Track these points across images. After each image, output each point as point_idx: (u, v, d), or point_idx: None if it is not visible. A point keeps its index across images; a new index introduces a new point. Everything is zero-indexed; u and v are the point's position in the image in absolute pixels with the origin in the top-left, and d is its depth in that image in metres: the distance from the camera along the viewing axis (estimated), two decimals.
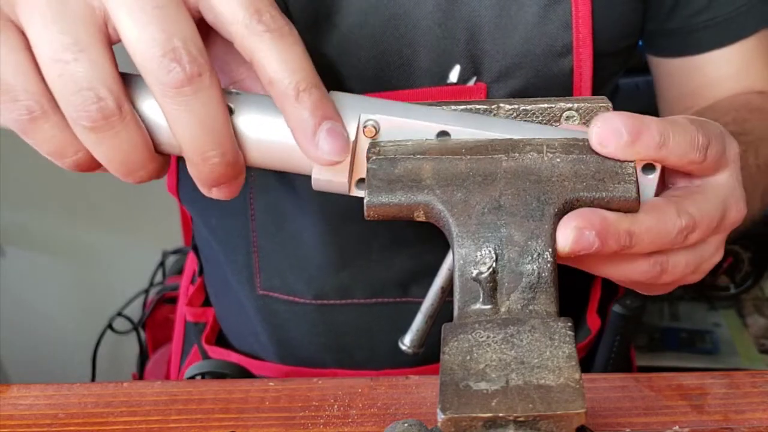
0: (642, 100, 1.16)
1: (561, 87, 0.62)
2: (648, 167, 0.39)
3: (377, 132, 0.39)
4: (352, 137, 0.39)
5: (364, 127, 0.39)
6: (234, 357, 0.76)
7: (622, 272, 0.40)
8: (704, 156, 0.40)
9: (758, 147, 0.60)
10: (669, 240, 0.39)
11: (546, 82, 0.61)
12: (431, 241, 0.65)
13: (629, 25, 0.65)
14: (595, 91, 0.63)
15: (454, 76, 0.60)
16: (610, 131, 0.38)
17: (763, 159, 0.60)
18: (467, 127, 0.39)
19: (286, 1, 0.57)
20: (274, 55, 0.36)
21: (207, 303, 0.81)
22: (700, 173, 0.42)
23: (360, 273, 0.68)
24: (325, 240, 0.65)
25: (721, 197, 0.42)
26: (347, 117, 0.39)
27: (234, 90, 0.40)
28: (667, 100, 0.73)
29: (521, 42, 0.59)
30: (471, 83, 0.60)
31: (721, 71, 0.69)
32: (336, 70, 0.59)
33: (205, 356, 0.77)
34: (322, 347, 0.72)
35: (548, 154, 0.37)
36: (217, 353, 0.76)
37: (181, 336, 0.85)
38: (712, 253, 0.43)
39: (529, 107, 0.40)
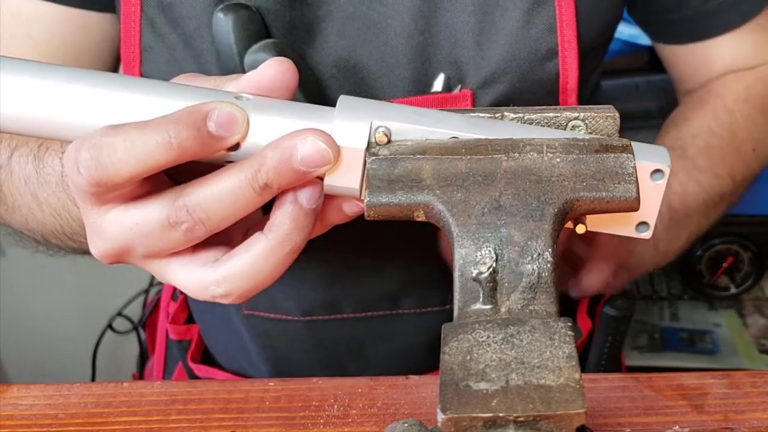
0: (642, 100, 1.17)
1: (547, 90, 0.61)
2: (656, 172, 0.39)
3: (389, 139, 0.38)
4: (364, 144, 0.38)
5: (376, 134, 0.38)
6: (221, 375, 0.75)
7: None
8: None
9: (694, 140, 0.69)
10: None
11: (532, 87, 0.60)
12: (421, 252, 0.64)
13: (611, 20, 0.65)
14: (580, 90, 0.62)
15: (438, 84, 0.59)
16: None
17: (698, 153, 0.69)
18: (479, 133, 0.39)
19: (262, 12, 0.56)
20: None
21: (190, 319, 0.79)
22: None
23: (349, 288, 0.67)
24: (313, 256, 0.64)
25: None
26: (358, 123, 0.38)
27: (245, 95, 0.39)
28: (673, 77, 0.79)
29: (505, 47, 0.58)
30: (456, 91, 0.59)
31: (717, 53, 0.72)
32: (316, 79, 0.58)
33: (191, 375, 0.76)
34: (313, 362, 0.71)
35: (548, 154, 0.37)
36: (204, 372, 0.75)
37: (163, 352, 0.83)
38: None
39: (533, 116, 0.40)
